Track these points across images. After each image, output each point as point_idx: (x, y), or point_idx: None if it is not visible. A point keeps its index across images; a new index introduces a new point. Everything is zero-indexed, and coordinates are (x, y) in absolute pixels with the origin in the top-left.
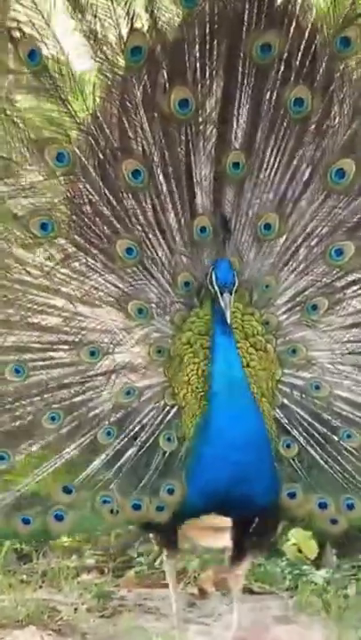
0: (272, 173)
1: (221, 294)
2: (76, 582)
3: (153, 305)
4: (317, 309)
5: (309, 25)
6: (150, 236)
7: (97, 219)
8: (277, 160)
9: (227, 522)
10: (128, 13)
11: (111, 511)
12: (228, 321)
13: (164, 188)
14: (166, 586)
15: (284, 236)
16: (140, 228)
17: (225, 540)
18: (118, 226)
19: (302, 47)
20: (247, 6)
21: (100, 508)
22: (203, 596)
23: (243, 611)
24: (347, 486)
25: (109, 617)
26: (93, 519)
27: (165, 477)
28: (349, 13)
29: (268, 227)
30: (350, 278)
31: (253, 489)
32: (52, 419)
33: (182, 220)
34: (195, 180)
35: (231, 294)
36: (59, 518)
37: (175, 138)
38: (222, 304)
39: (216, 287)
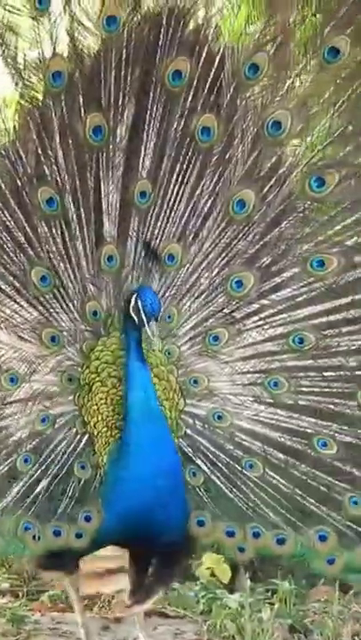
0: (176, 202)
1: (148, 322)
2: None
3: (64, 333)
4: (218, 340)
5: (220, 52)
6: (61, 263)
7: (13, 245)
8: (181, 189)
9: (114, 563)
10: (51, 37)
11: (33, 537)
12: (157, 348)
13: (74, 216)
14: None
15: (186, 267)
16: (51, 255)
17: (114, 585)
18: (32, 253)
19: (212, 74)
20: (162, 31)
21: (23, 535)
22: (117, 619)
23: (157, 635)
24: (252, 515)
25: None
26: (16, 545)
27: (82, 505)
28: (260, 39)
29: (171, 257)
30: (250, 309)
31: (170, 515)
32: None
33: (90, 249)
34: (103, 209)
35: (157, 321)
36: None
37: (86, 165)
38: (149, 331)
39: (143, 315)
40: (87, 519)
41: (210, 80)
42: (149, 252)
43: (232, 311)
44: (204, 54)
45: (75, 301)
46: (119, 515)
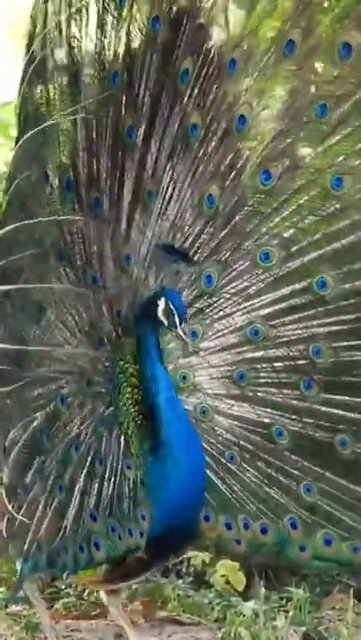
0: (166, 200)
1: (180, 324)
2: (4, 613)
3: (104, 335)
4: (196, 335)
5: (213, 49)
6: (97, 264)
7: (80, 250)
8: (171, 186)
9: None
10: (116, 37)
11: (119, 537)
12: (191, 349)
13: (108, 216)
14: (94, 617)
15: None
16: (91, 256)
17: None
18: (85, 256)
19: (204, 71)
20: (181, 30)
21: (112, 535)
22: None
23: None
24: (239, 507)
25: None
26: (110, 547)
27: (137, 505)
28: (240, 34)
29: None
30: (213, 303)
31: (199, 512)
32: (76, 449)
33: (114, 248)
34: (123, 207)
35: (186, 323)
36: (97, 546)
37: (118, 165)
38: (181, 333)
39: (177, 318)
40: (143, 518)
41: (202, 77)
42: (175, 254)
43: (201, 304)
44: (203, 52)
45: (105, 302)
46: (166, 515)
